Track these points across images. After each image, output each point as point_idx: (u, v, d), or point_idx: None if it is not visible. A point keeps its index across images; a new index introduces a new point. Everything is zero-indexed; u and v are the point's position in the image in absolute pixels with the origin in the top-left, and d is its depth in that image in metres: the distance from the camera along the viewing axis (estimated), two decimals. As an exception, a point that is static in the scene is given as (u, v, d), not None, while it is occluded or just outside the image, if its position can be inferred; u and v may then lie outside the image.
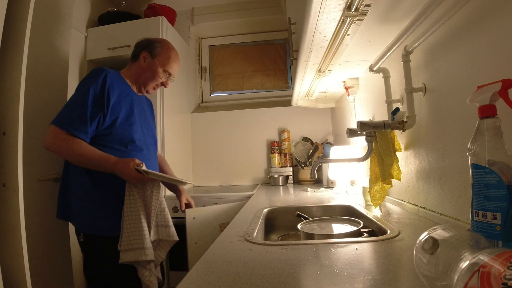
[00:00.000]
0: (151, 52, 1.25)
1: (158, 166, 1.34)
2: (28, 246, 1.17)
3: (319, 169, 2.08)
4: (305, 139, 2.33)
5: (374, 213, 1.02)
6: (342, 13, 0.81)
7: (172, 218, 1.17)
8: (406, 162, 1.05)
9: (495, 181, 0.43)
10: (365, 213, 1.02)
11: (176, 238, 1.12)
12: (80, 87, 1.11)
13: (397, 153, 1.04)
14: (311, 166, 2.15)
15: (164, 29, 1.92)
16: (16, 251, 1.13)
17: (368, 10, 0.78)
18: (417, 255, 0.43)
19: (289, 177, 2.23)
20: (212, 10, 2.51)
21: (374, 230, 0.89)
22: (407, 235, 0.72)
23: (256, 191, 1.86)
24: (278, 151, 2.31)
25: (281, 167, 2.29)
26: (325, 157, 2.04)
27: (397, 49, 0.94)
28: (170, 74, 1.28)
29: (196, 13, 2.52)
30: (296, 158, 2.27)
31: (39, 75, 1.36)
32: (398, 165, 1.02)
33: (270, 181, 2.23)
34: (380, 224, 0.85)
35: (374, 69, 1.10)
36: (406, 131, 1.01)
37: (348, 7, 0.78)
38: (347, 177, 1.53)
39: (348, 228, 0.91)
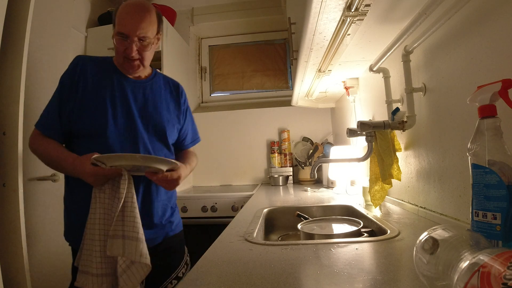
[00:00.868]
0: (114, 24, 0.98)
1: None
2: (28, 246, 1.17)
3: (319, 169, 2.08)
4: (305, 139, 2.33)
5: (374, 213, 1.02)
6: (342, 13, 0.81)
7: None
8: (406, 162, 1.05)
9: (495, 181, 0.43)
10: (365, 213, 1.02)
11: (148, 261, 0.80)
12: None
13: (397, 153, 1.04)
14: (311, 166, 2.15)
15: (164, 29, 1.91)
16: (16, 251, 1.14)
17: (368, 10, 0.78)
18: (417, 255, 0.43)
19: (289, 177, 2.23)
20: (212, 10, 2.51)
21: (374, 230, 0.89)
22: (407, 235, 0.72)
23: (256, 191, 1.86)
24: (278, 151, 2.31)
25: (281, 167, 2.29)
26: (325, 157, 2.04)
27: (397, 49, 0.94)
28: (124, 35, 0.92)
29: (196, 13, 2.53)
30: (296, 158, 2.27)
31: (39, 75, 1.37)
32: (398, 165, 1.02)
33: (270, 181, 2.23)
34: (380, 224, 0.85)
35: (374, 69, 1.10)
36: (406, 131, 1.01)
37: (348, 7, 0.78)
38: (347, 177, 1.53)
39: (348, 228, 0.91)
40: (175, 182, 0.93)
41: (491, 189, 0.44)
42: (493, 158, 0.44)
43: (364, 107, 1.48)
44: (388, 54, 0.98)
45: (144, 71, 1.06)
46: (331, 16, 0.84)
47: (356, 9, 0.77)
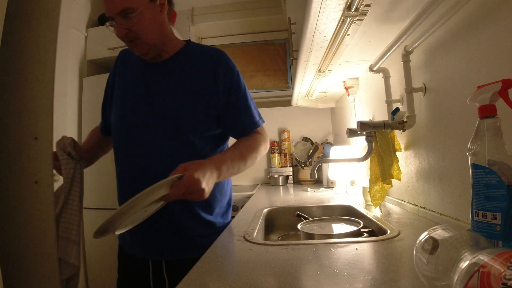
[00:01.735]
0: None
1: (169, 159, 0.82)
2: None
3: (319, 169, 2.08)
4: (305, 139, 2.33)
5: (374, 213, 1.02)
6: (342, 13, 0.81)
7: None
8: (406, 162, 1.05)
9: (495, 181, 0.43)
10: (365, 213, 1.02)
11: (76, 262, 0.79)
12: None
13: (397, 153, 1.04)
14: (311, 166, 2.15)
15: (164, 29, 1.92)
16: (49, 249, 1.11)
17: (368, 10, 0.78)
18: (417, 255, 0.43)
19: (289, 177, 2.23)
20: (212, 10, 2.51)
21: (374, 230, 0.89)
22: (407, 235, 0.72)
23: (256, 191, 1.86)
24: (278, 151, 2.31)
25: (281, 167, 2.29)
26: (325, 157, 2.04)
27: (397, 49, 0.94)
28: (110, 19, 0.84)
29: (196, 13, 2.53)
30: (296, 158, 2.27)
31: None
32: (398, 165, 1.02)
33: (270, 181, 2.23)
34: (380, 224, 0.85)
35: (374, 69, 1.10)
36: (406, 131, 1.01)
37: (348, 7, 0.78)
38: (347, 177, 1.53)
39: (348, 228, 0.91)
40: (192, 190, 0.68)
41: (491, 189, 0.44)
42: (493, 158, 0.44)
43: (364, 107, 1.48)
44: (388, 54, 0.98)
45: (168, 48, 0.89)
46: (331, 16, 0.84)
47: (356, 9, 0.77)
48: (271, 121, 2.41)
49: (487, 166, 0.44)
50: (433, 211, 0.86)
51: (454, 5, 0.65)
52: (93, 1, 2.07)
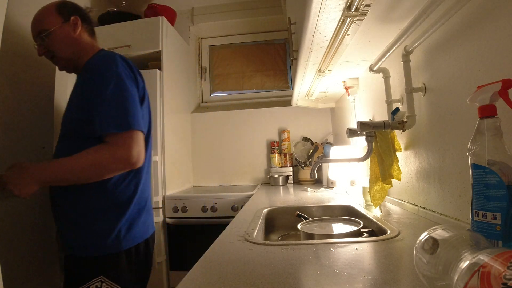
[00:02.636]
0: None
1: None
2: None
3: (319, 169, 2.08)
4: (305, 139, 2.33)
5: (374, 213, 1.02)
6: (342, 13, 0.81)
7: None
8: (406, 162, 1.05)
9: (495, 181, 0.43)
10: (365, 213, 1.02)
11: None
12: None
13: (397, 153, 1.04)
14: (311, 166, 2.15)
15: (164, 29, 1.92)
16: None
17: (368, 10, 0.78)
18: (417, 255, 0.43)
19: (289, 177, 2.23)
20: (212, 10, 2.51)
21: (374, 230, 0.89)
22: (407, 235, 0.72)
23: (256, 191, 1.86)
24: (278, 151, 2.31)
25: (281, 167, 2.29)
26: (325, 157, 2.04)
27: (397, 49, 0.94)
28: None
29: (196, 13, 2.52)
30: (296, 158, 2.27)
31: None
32: (398, 165, 1.02)
33: (270, 181, 2.23)
34: (380, 224, 0.85)
35: (374, 69, 1.10)
36: (406, 131, 1.01)
37: (348, 7, 0.78)
38: (347, 177, 1.53)
39: (348, 228, 0.91)
40: (2, 185, 0.84)
41: (491, 189, 0.44)
42: (493, 158, 0.44)
43: (364, 107, 1.48)
44: (388, 54, 0.98)
45: (83, 61, 0.99)
46: (331, 16, 0.83)
47: (356, 9, 0.77)
48: (271, 121, 2.41)
49: (487, 166, 0.44)
50: (433, 211, 0.86)
51: (454, 5, 0.65)
52: (93, 1, 2.07)
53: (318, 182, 2.19)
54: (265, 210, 1.17)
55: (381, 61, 1.04)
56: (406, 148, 1.05)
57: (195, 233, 1.77)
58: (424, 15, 0.72)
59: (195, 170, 2.44)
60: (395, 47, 0.92)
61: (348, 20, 0.83)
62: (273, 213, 1.20)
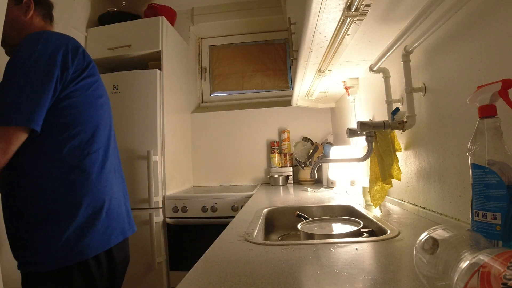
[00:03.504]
0: None
1: None
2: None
3: (319, 169, 2.08)
4: (305, 139, 2.33)
5: (374, 213, 1.02)
6: (342, 13, 0.81)
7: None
8: (406, 162, 1.05)
9: (495, 181, 0.43)
10: (365, 213, 1.02)
11: None
12: None
13: (397, 153, 1.04)
14: (311, 166, 2.15)
15: (164, 29, 1.92)
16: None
17: (368, 10, 0.78)
18: (417, 255, 0.43)
19: (289, 177, 2.23)
20: (212, 10, 2.51)
21: (374, 230, 0.89)
22: (407, 235, 0.72)
23: (256, 191, 1.86)
24: (278, 151, 2.31)
25: (281, 167, 2.29)
26: (325, 157, 2.04)
27: (397, 49, 0.94)
28: None
29: (196, 13, 2.53)
30: (296, 158, 2.27)
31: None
32: (398, 165, 1.02)
33: (270, 181, 2.23)
34: (380, 224, 0.85)
35: (374, 69, 1.10)
36: (406, 131, 1.01)
37: (348, 7, 0.78)
38: (347, 177, 1.53)
39: (348, 228, 0.91)
40: None
41: (491, 189, 0.44)
42: (493, 158, 0.44)
43: (364, 107, 1.48)
44: (388, 54, 0.98)
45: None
46: (331, 16, 0.83)
47: (356, 9, 0.77)
48: (271, 121, 2.41)
49: (487, 166, 0.44)
50: (433, 211, 0.86)
51: (454, 5, 0.65)
52: (93, 1, 2.07)
53: (318, 182, 2.19)
54: (265, 210, 1.17)
55: (381, 61, 1.04)
56: (406, 148, 1.05)
57: (195, 233, 1.77)
58: (424, 15, 0.72)
59: (195, 170, 2.44)
60: (395, 47, 0.92)
61: (348, 20, 0.83)
62: (273, 213, 1.20)
